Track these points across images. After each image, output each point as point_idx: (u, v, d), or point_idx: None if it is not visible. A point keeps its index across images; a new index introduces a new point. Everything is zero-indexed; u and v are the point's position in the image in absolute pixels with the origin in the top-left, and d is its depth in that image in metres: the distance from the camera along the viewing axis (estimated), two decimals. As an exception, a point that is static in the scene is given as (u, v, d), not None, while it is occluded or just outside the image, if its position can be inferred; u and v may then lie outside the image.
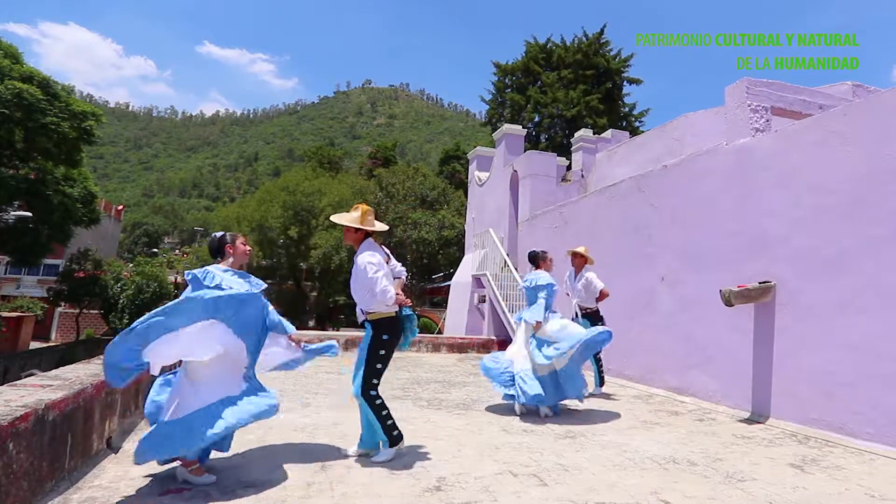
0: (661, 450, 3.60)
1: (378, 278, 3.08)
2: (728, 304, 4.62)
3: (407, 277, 3.62)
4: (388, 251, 3.39)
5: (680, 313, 5.91)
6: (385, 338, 3.18)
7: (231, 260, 3.04)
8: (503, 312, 9.43)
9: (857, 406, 3.92)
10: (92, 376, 3.06)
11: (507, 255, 10.41)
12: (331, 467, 3.00)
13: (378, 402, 3.15)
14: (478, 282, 11.58)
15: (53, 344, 28.24)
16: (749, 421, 4.64)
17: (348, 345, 9.56)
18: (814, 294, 4.38)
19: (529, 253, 5.11)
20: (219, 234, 3.16)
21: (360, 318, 3.27)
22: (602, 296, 5.72)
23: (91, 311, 28.50)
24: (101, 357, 3.87)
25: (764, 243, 4.89)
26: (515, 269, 9.79)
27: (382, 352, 3.17)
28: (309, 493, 2.59)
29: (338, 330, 22.52)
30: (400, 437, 3.21)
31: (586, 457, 3.39)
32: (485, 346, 10.16)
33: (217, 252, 3.06)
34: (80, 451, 2.74)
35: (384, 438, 3.16)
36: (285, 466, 2.97)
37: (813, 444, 3.90)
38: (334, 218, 3.31)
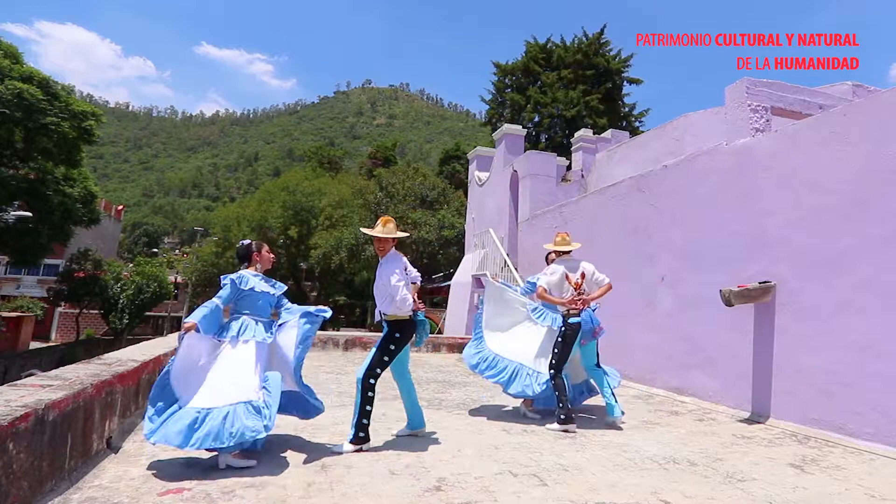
0: (661, 450, 3.60)
1: (400, 287, 3.44)
2: (728, 304, 4.62)
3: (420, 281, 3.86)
4: (405, 259, 3.69)
5: (680, 313, 5.91)
6: (397, 335, 3.53)
7: (258, 266, 3.49)
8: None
9: (857, 406, 3.92)
10: (92, 376, 3.06)
11: (507, 255, 10.41)
12: (331, 467, 2.99)
13: (370, 394, 3.38)
14: (478, 282, 11.58)
15: (53, 344, 28.26)
16: (749, 421, 4.64)
17: (348, 345, 9.56)
18: (814, 294, 4.38)
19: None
20: (246, 242, 3.56)
21: (378, 318, 3.62)
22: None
23: (91, 311, 28.53)
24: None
25: (764, 243, 4.89)
26: (515, 269, 9.78)
27: (392, 347, 3.51)
28: (309, 493, 2.59)
29: (338, 330, 22.52)
30: (364, 440, 3.34)
31: (586, 457, 3.39)
32: (485, 346, 10.14)
33: (245, 258, 3.47)
34: (80, 451, 2.73)
35: (352, 430, 3.33)
36: (285, 466, 2.97)
37: (813, 444, 3.90)
38: (373, 231, 3.59)
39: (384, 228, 3.59)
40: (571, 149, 13.04)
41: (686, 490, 2.80)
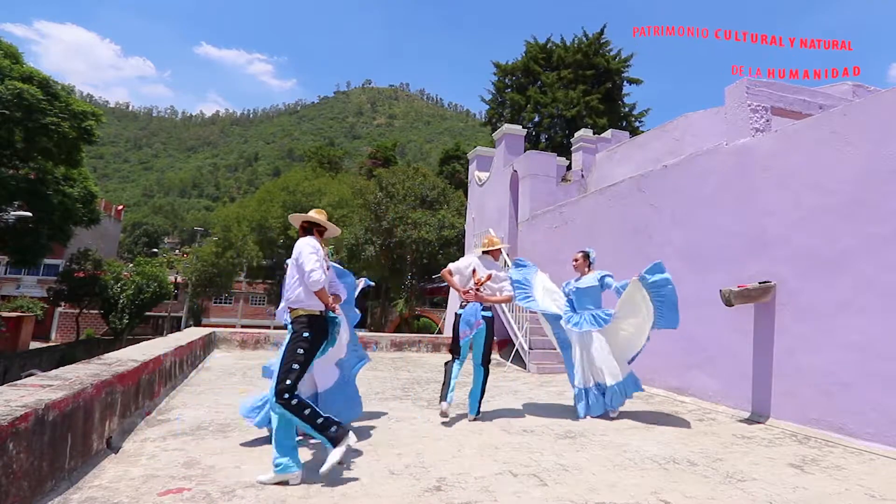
0: (661, 450, 3.60)
1: (312, 260, 2.97)
2: (728, 304, 4.62)
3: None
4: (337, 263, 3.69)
5: (680, 313, 5.89)
6: (305, 335, 2.90)
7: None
8: (503, 313, 9.43)
9: (857, 406, 3.92)
10: (92, 376, 3.06)
11: (508, 255, 10.41)
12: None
13: (294, 402, 2.76)
14: (478, 282, 11.54)
15: (53, 344, 28.27)
16: (749, 421, 4.64)
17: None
18: (814, 294, 4.38)
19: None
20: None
21: (284, 319, 3.11)
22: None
23: (91, 311, 28.55)
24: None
25: (764, 243, 4.89)
26: (515, 269, 9.77)
27: (302, 351, 2.88)
28: (309, 493, 2.59)
29: (338, 330, 22.50)
30: (344, 432, 2.79)
31: (586, 457, 3.39)
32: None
33: None
34: (80, 451, 2.73)
35: (322, 439, 2.78)
36: (285, 466, 2.96)
37: (813, 444, 3.90)
38: (306, 216, 3.31)
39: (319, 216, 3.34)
40: (571, 149, 13.03)
41: (686, 490, 2.80)
